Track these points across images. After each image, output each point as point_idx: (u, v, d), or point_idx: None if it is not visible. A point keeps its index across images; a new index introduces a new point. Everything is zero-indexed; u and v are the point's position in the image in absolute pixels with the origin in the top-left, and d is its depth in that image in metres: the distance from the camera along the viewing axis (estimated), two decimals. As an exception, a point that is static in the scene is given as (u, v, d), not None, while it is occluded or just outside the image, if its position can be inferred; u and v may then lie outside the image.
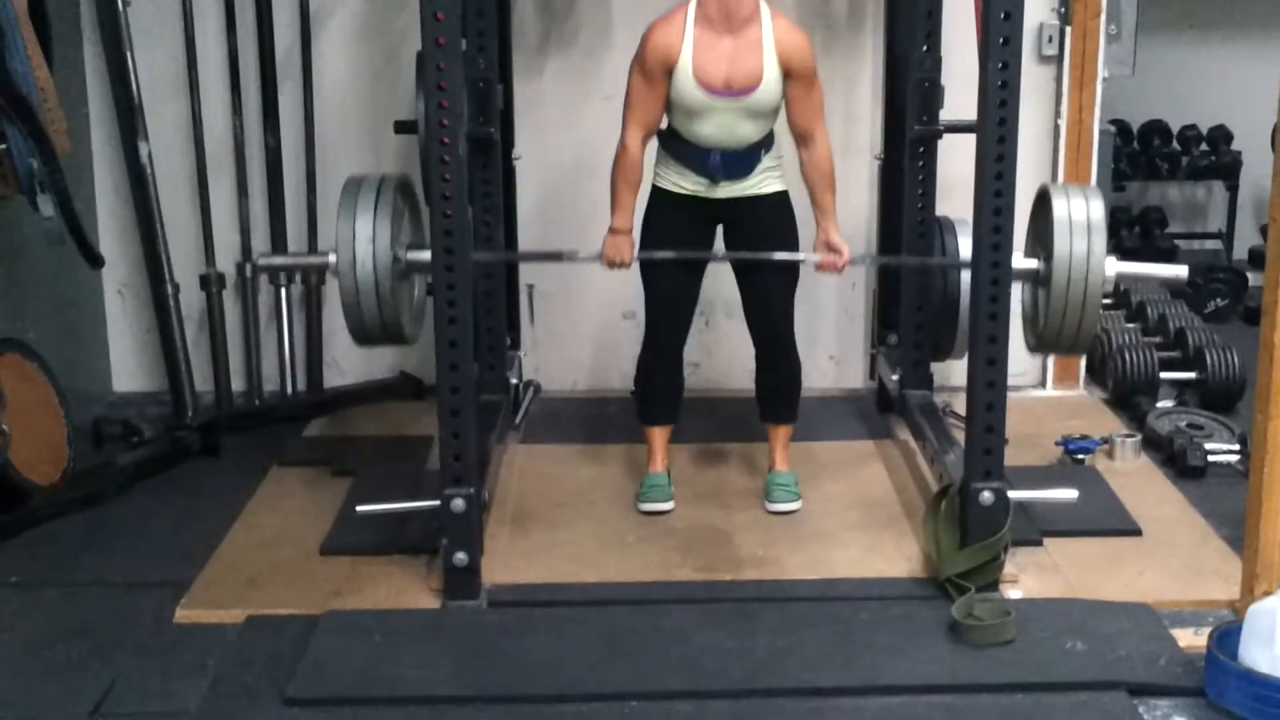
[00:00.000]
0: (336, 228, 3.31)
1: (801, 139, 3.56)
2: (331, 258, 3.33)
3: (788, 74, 3.46)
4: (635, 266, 3.61)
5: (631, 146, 3.52)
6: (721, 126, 3.49)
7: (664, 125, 3.58)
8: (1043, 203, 3.39)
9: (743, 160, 3.54)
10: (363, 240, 3.29)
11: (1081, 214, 3.29)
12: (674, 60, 3.43)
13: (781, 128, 3.58)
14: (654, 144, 3.60)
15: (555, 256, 3.91)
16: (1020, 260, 3.31)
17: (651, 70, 3.45)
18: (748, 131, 3.51)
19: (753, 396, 3.84)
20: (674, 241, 3.59)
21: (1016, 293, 3.34)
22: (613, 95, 4.40)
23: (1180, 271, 3.51)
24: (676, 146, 3.57)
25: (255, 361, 4.58)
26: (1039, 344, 3.50)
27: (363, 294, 3.31)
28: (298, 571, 3.39)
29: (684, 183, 3.57)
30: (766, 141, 3.56)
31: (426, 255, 3.32)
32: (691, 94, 3.44)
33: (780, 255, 3.61)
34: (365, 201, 3.32)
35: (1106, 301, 5.14)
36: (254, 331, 4.57)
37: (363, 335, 3.39)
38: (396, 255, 3.33)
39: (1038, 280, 3.39)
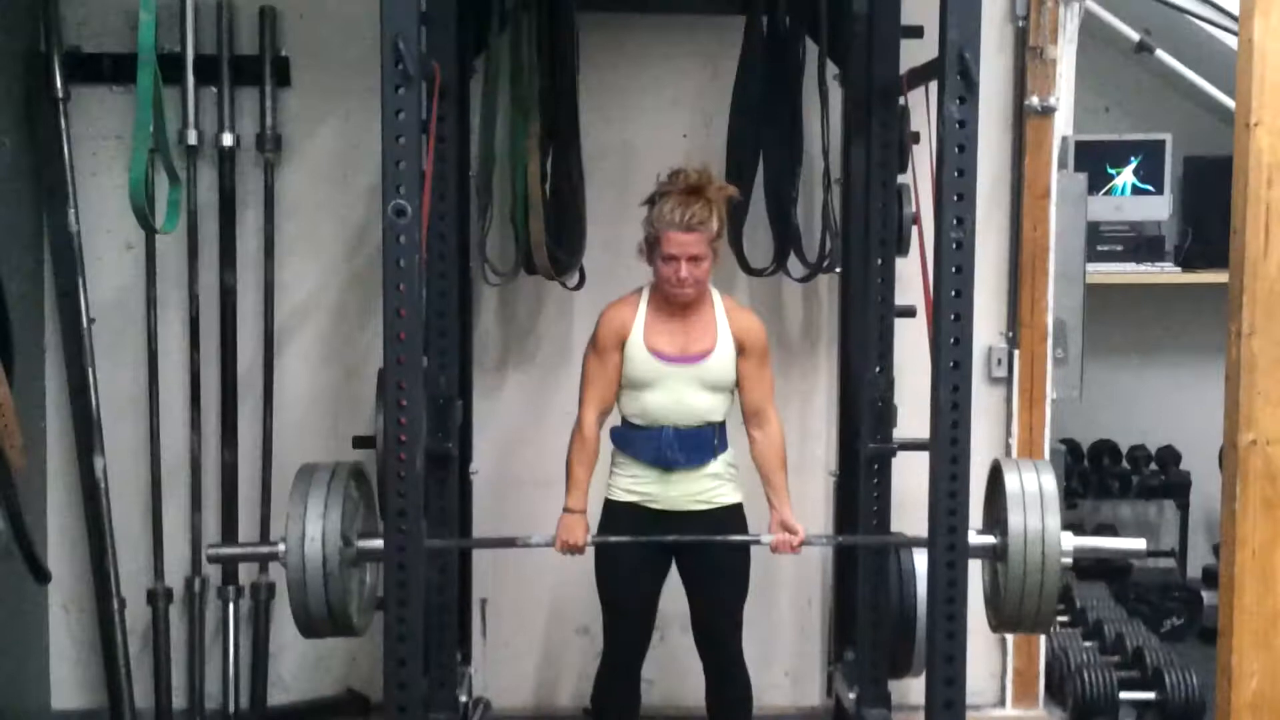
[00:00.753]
0: (287, 515, 3.28)
1: (753, 418, 3.62)
2: (281, 546, 3.28)
3: (740, 350, 3.56)
4: (590, 569, 3.60)
5: (587, 425, 3.57)
6: (673, 396, 3.54)
7: (617, 421, 3.62)
8: (996, 478, 3.42)
9: (696, 441, 3.57)
10: (313, 527, 3.25)
11: (1034, 487, 3.34)
12: (627, 333, 3.54)
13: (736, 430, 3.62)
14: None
15: (509, 542, 3.89)
16: (977, 537, 3.32)
17: (604, 346, 3.55)
18: (700, 406, 3.56)
19: (703, 716, 3.76)
20: (629, 557, 3.58)
21: (976, 585, 3.32)
22: (571, 412, 4.47)
23: (1138, 545, 3.57)
24: (629, 437, 3.60)
25: (199, 679, 4.47)
26: (1001, 622, 3.46)
27: (310, 581, 3.24)
28: None
29: (636, 487, 3.59)
30: (720, 433, 3.60)
31: (378, 543, 3.29)
32: (644, 361, 3.53)
33: (736, 538, 3.62)
34: (317, 489, 3.30)
35: (1063, 619, 5.14)
36: (199, 648, 4.48)
37: (308, 626, 3.30)
38: (348, 541, 3.29)
39: (995, 555, 3.38)
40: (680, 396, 3.55)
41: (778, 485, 3.64)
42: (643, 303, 3.58)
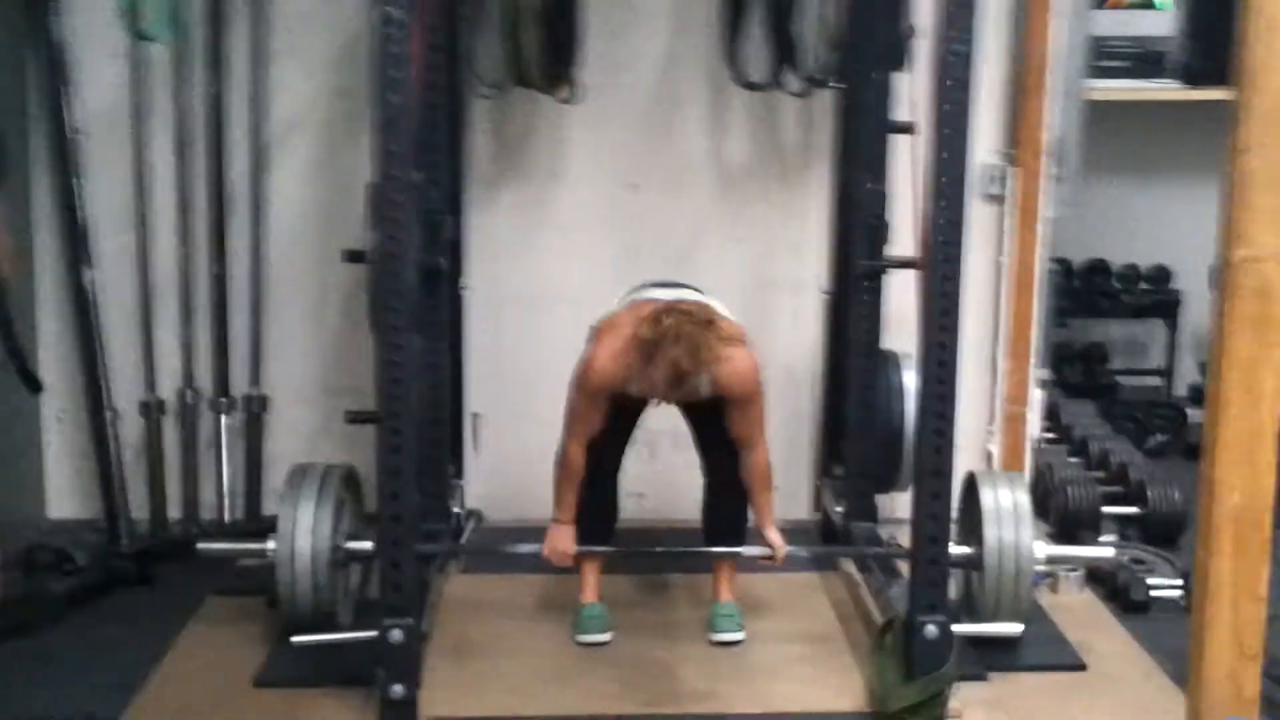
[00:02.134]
0: (279, 515, 3.50)
1: (741, 444, 3.62)
2: (271, 544, 3.48)
3: (726, 399, 3.53)
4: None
5: (573, 455, 3.60)
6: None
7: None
8: (971, 492, 3.65)
9: None
10: (303, 532, 3.47)
11: (1009, 502, 3.58)
12: (619, 390, 3.51)
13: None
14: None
15: (492, 551, 4.06)
16: (954, 548, 3.47)
17: (597, 394, 3.53)
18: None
19: (698, 528, 3.83)
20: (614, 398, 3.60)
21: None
22: (565, 226, 4.46)
23: (1107, 553, 3.87)
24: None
25: (193, 490, 4.53)
26: (975, 620, 3.61)
27: (299, 583, 3.47)
28: (232, 704, 3.32)
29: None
30: None
31: (366, 545, 3.54)
32: (634, 400, 3.56)
33: (720, 549, 3.75)
34: (308, 491, 3.52)
35: (1049, 435, 5.19)
36: (193, 459, 4.52)
37: (295, 622, 3.48)
38: (336, 544, 3.49)
39: (971, 565, 3.59)
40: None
41: (761, 505, 3.67)
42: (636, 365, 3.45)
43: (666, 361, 3.30)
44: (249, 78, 4.40)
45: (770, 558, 3.65)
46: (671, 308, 3.39)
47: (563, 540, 3.64)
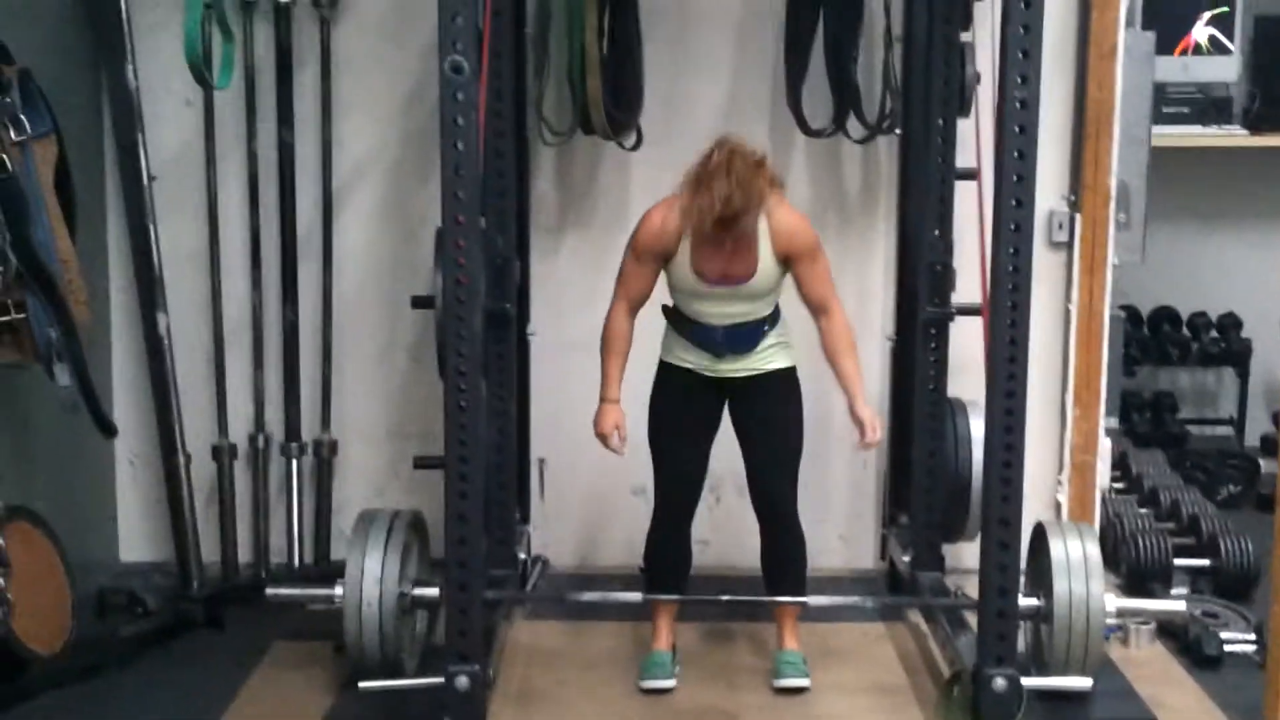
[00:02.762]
0: (347, 561, 3.51)
1: (816, 310, 3.62)
2: (338, 590, 3.47)
3: (786, 259, 3.52)
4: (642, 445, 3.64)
5: (616, 319, 3.61)
6: (718, 309, 3.55)
7: (670, 302, 3.62)
8: (1040, 542, 3.59)
9: (746, 335, 3.59)
10: (370, 579, 3.46)
11: (1079, 553, 3.50)
12: (671, 252, 3.52)
13: (792, 300, 3.62)
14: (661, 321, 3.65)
15: (558, 598, 4.13)
16: (1022, 600, 3.44)
17: (644, 257, 3.55)
18: (749, 310, 3.56)
19: (760, 575, 3.81)
20: (682, 412, 3.61)
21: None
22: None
23: (1178, 606, 3.79)
24: (680, 323, 3.62)
25: (263, 533, 4.56)
26: (1043, 673, 3.56)
27: (366, 629, 3.45)
28: (299, 749, 3.34)
29: (689, 357, 3.62)
30: (771, 318, 3.60)
31: (432, 592, 3.55)
32: (688, 281, 3.53)
33: (786, 599, 3.73)
34: (376, 537, 3.51)
35: (1118, 485, 5.14)
36: (263, 503, 4.56)
37: (363, 668, 3.49)
38: (403, 591, 3.50)
39: (1040, 618, 3.54)
40: (725, 309, 3.56)
41: (847, 372, 3.63)
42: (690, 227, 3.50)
43: (717, 195, 3.31)
44: (317, 124, 4.46)
45: (869, 442, 3.64)
46: (723, 142, 3.41)
47: (610, 418, 3.64)
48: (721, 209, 3.31)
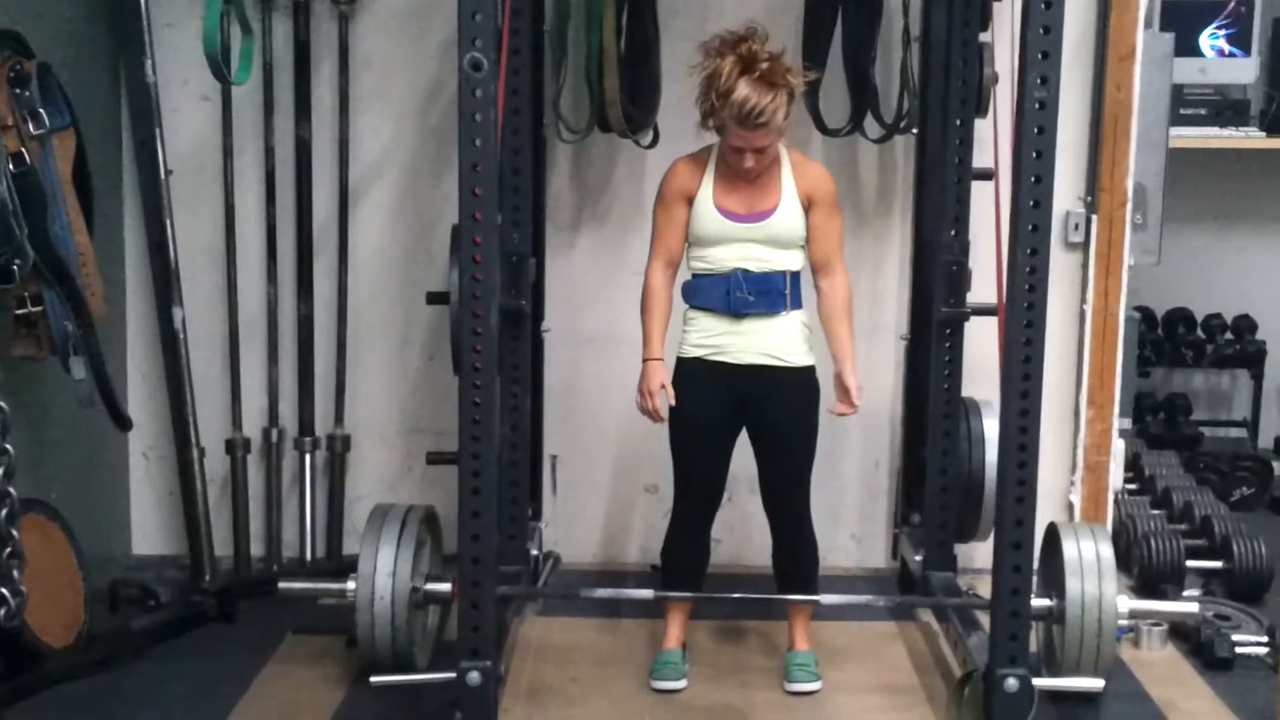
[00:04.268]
0: (360, 556, 3.53)
1: (820, 270, 3.62)
2: (351, 585, 3.50)
3: (808, 204, 3.55)
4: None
5: (655, 276, 3.62)
6: (741, 252, 3.55)
7: (688, 277, 3.63)
8: (1052, 543, 3.59)
9: (766, 285, 3.56)
10: (383, 574, 3.48)
11: (1092, 554, 3.51)
12: (694, 193, 3.55)
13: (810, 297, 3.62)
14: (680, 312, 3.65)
15: (571, 595, 4.10)
16: (1035, 600, 3.42)
17: (672, 200, 3.57)
18: (771, 256, 3.56)
19: (772, 573, 3.82)
20: (701, 422, 3.60)
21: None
22: (642, 270, 4.47)
23: (1191, 608, 3.75)
24: (698, 286, 3.61)
25: (276, 527, 4.57)
26: (1055, 674, 3.56)
27: (378, 624, 3.48)
28: (310, 743, 3.35)
29: (707, 340, 3.60)
30: (792, 285, 3.58)
31: (444, 587, 3.57)
32: (712, 219, 3.53)
33: (797, 597, 3.73)
34: (389, 532, 3.53)
35: (1131, 487, 5.13)
36: (276, 497, 4.57)
37: (374, 663, 3.51)
38: (415, 586, 3.52)
39: (1053, 618, 3.54)
40: (747, 252, 3.55)
41: (840, 336, 3.63)
42: (711, 161, 3.57)
43: (742, 76, 3.37)
44: (334, 120, 4.47)
45: (847, 404, 3.61)
46: (743, 37, 3.46)
47: (656, 376, 3.59)
48: (753, 74, 3.36)
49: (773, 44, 3.48)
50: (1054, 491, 4.50)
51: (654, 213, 3.64)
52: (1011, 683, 3.19)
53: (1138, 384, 5.85)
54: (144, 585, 4.21)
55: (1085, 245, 4.48)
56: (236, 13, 3.98)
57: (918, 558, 4.23)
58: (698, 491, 3.68)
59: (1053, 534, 3.63)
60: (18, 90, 3.47)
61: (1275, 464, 5.68)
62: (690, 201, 3.56)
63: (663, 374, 3.59)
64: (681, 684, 3.68)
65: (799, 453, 3.67)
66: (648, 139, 4.28)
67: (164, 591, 4.21)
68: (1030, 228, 3.11)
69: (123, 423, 3.95)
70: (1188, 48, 5.72)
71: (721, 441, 3.66)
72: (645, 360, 3.61)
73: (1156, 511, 4.93)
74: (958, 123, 4.07)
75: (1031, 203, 3.10)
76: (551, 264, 4.45)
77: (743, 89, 3.37)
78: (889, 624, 4.18)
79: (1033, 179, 3.11)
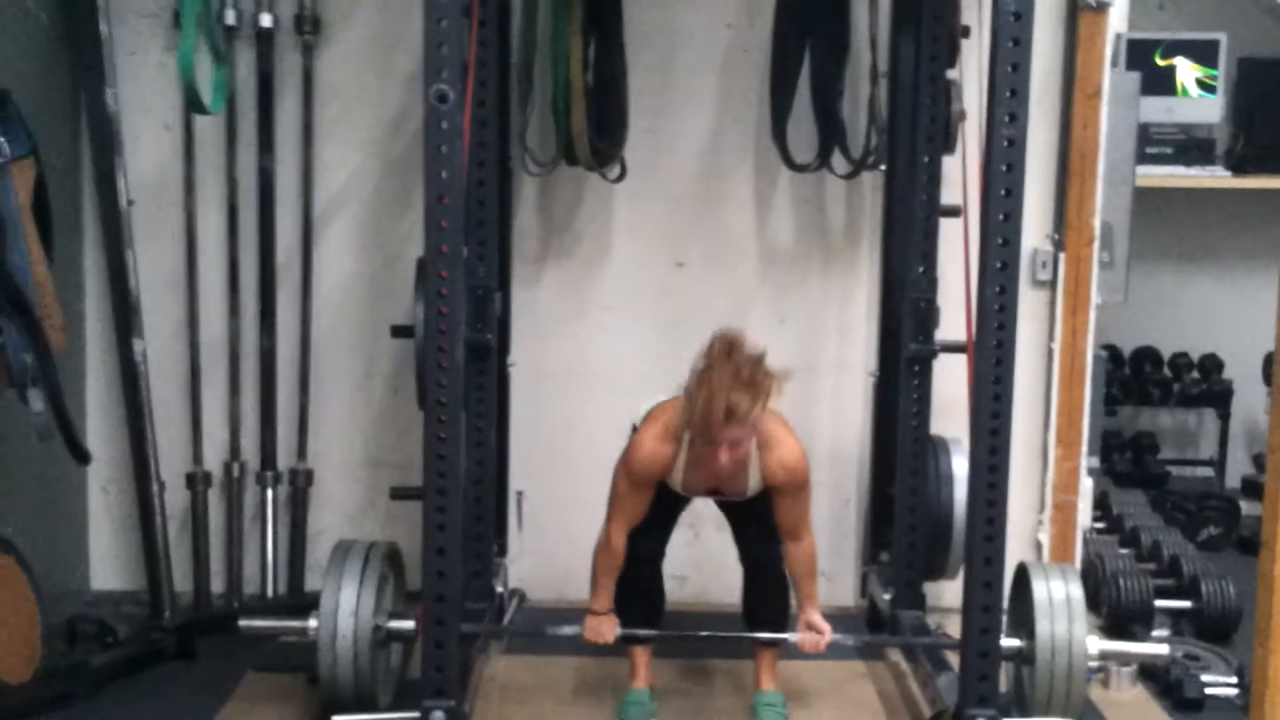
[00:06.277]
0: (322, 593, 3.48)
1: (788, 535, 3.56)
2: (312, 622, 3.44)
3: (773, 488, 3.48)
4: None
5: (615, 541, 3.51)
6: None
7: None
8: (1022, 583, 3.56)
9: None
10: (345, 611, 3.43)
11: (1062, 594, 3.47)
12: (666, 474, 3.47)
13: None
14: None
15: (537, 633, 3.95)
16: (1004, 640, 3.40)
17: (641, 481, 3.47)
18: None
19: (740, 612, 3.77)
20: (648, 501, 3.55)
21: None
22: (609, 304, 4.46)
23: (1161, 650, 3.68)
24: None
25: (237, 563, 4.51)
26: (1024, 715, 3.53)
27: (340, 662, 3.42)
28: (269, 783, 3.29)
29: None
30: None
31: (408, 624, 3.51)
32: (677, 494, 3.54)
33: (765, 635, 3.67)
34: (352, 568, 3.48)
35: (1099, 525, 5.12)
36: (237, 532, 4.51)
37: (335, 701, 3.45)
38: (378, 624, 3.46)
39: (1022, 658, 3.51)
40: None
41: (808, 592, 3.61)
42: (684, 445, 3.42)
43: (719, 388, 3.17)
44: (298, 150, 4.43)
45: (815, 642, 3.57)
46: (723, 336, 3.28)
47: (601, 630, 3.56)
48: (726, 402, 3.17)
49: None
50: (1023, 530, 4.48)
51: (617, 479, 3.50)
52: (981, 723, 3.17)
53: (1105, 422, 5.85)
54: (102, 621, 4.13)
55: (1053, 283, 4.48)
56: (207, 41, 3.95)
57: (886, 596, 4.20)
58: (646, 536, 3.59)
59: (1022, 574, 3.60)
60: (-24, 118, 3.43)
61: (1243, 503, 5.68)
62: (658, 481, 3.50)
63: (610, 629, 3.56)
64: (649, 725, 3.64)
65: (769, 517, 3.60)
66: (614, 173, 4.26)
67: (123, 628, 4.13)
68: (999, 265, 3.10)
69: (82, 456, 3.89)
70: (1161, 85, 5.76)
71: (668, 520, 3.66)
72: (592, 611, 3.57)
73: (1125, 551, 4.92)
74: (925, 159, 4.07)
75: (1000, 240, 3.10)
76: (517, 297, 4.42)
77: (718, 398, 3.19)
78: (857, 663, 4.14)
79: (1001, 216, 3.10)
